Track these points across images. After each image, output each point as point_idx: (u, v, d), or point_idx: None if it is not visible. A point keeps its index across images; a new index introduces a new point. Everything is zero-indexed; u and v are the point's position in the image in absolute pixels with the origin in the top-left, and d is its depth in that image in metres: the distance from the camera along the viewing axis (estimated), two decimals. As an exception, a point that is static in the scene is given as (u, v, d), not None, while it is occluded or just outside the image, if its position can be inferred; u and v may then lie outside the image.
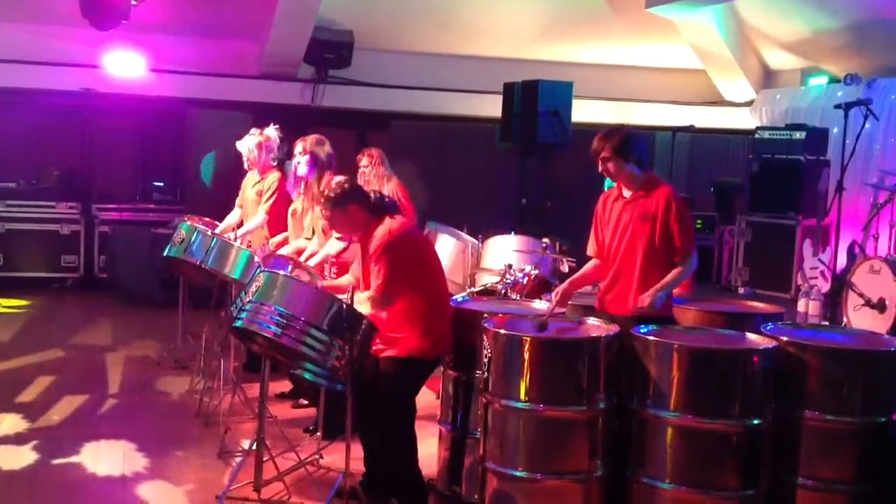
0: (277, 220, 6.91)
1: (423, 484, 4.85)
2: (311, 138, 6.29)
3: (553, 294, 4.87)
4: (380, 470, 4.83)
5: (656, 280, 4.58)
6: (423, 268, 4.73)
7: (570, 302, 5.27)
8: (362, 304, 4.61)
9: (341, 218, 4.75)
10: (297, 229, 6.56)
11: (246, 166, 7.20)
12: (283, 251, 6.37)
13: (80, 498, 4.99)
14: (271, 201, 6.98)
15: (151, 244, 9.58)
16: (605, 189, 5.09)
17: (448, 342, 4.79)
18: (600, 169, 4.73)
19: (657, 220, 4.59)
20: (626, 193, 4.72)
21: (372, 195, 4.86)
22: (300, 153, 6.23)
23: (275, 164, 7.18)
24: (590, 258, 4.98)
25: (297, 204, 6.56)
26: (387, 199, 4.91)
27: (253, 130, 7.20)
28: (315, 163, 6.20)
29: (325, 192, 4.78)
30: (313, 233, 6.28)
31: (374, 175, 7.15)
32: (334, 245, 5.83)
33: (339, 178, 4.99)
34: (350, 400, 4.63)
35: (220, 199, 8.84)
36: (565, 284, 4.88)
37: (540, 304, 5.22)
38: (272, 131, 7.18)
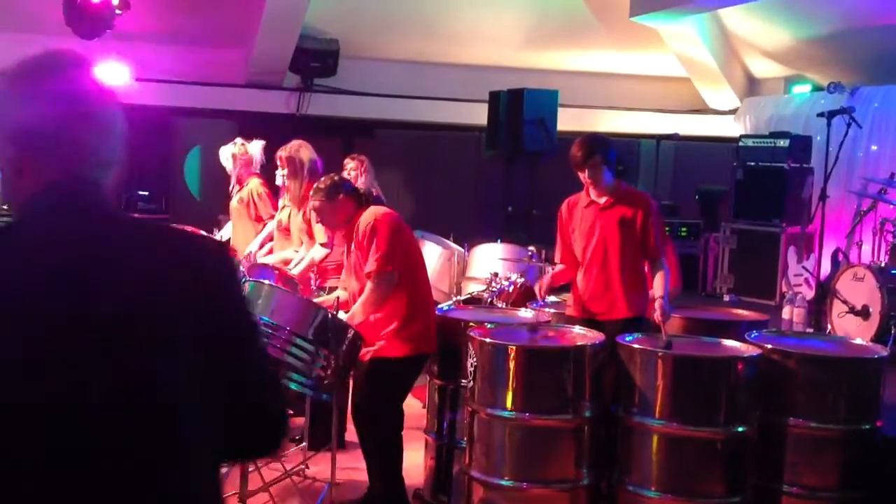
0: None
1: (403, 493, 4.85)
2: (291, 146, 6.25)
3: (537, 289, 4.99)
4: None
5: (636, 282, 4.70)
6: (408, 260, 4.75)
7: (554, 311, 5.32)
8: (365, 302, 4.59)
9: (331, 210, 4.77)
10: (282, 241, 6.54)
11: (228, 171, 7.18)
12: (269, 260, 6.37)
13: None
14: (270, 209, 6.98)
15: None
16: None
17: (432, 340, 4.79)
18: (587, 174, 4.80)
19: (636, 225, 4.72)
20: (600, 200, 4.82)
21: (361, 188, 4.92)
22: (280, 165, 6.22)
23: (257, 171, 7.16)
24: (548, 262, 5.20)
25: (281, 215, 6.53)
26: (374, 194, 4.97)
27: (237, 140, 7.17)
28: (295, 172, 6.15)
29: (317, 186, 4.83)
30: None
31: (361, 184, 7.14)
32: (318, 251, 5.83)
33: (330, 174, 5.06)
34: (335, 410, 4.62)
35: (206, 209, 8.84)
36: (548, 278, 5.00)
37: (526, 313, 5.23)
38: (255, 148, 7.11)
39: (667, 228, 9.83)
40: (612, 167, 4.82)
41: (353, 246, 4.76)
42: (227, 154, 7.08)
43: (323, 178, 4.90)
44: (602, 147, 4.84)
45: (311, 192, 4.91)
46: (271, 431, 1.71)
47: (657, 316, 4.57)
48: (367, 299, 4.60)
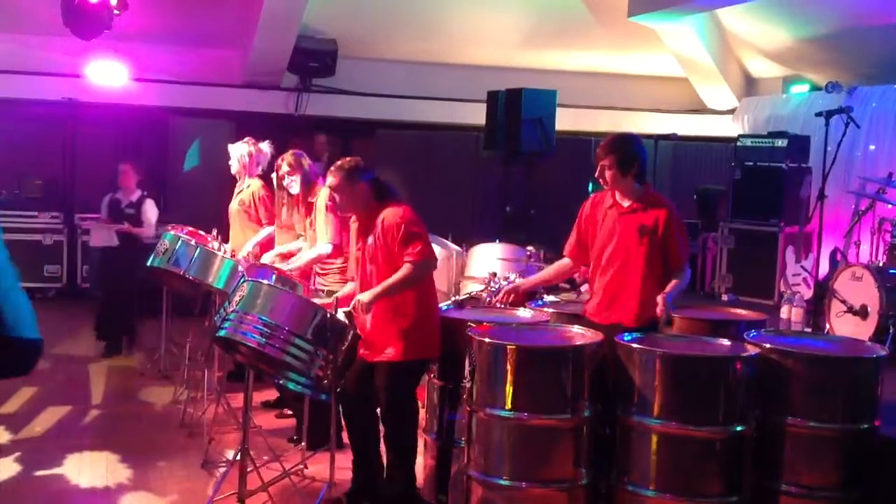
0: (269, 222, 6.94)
1: (415, 492, 4.86)
2: (291, 155, 6.24)
3: (508, 283, 4.96)
4: (371, 479, 4.82)
5: (648, 292, 4.59)
6: None
7: (553, 310, 5.30)
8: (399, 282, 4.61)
9: (348, 192, 4.78)
10: (283, 235, 6.55)
11: (233, 171, 7.18)
12: (269, 256, 6.39)
13: (62, 510, 4.97)
14: (263, 210, 6.98)
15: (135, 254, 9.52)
16: (591, 192, 5.10)
17: (437, 341, 4.80)
18: (597, 174, 4.73)
19: (656, 234, 4.61)
20: (624, 203, 4.72)
21: (383, 180, 4.91)
22: (288, 173, 6.21)
23: (259, 174, 7.15)
24: (562, 257, 5.03)
25: (282, 213, 6.54)
26: (392, 186, 4.95)
27: (246, 139, 7.18)
28: (305, 179, 6.17)
29: (339, 164, 4.84)
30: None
31: None
32: (325, 248, 5.83)
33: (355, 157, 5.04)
34: (334, 409, 4.62)
35: (203, 209, 8.83)
36: (530, 280, 4.98)
37: (524, 312, 5.23)
38: (266, 146, 7.16)
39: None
40: (631, 171, 4.66)
41: (370, 240, 4.75)
42: (240, 152, 7.07)
43: (347, 159, 4.91)
44: (620, 149, 4.68)
45: (331, 168, 4.91)
46: (21, 358, 2.27)
47: (658, 310, 4.48)
48: (401, 280, 4.60)
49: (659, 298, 4.48)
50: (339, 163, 4.88)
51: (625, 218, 4.68)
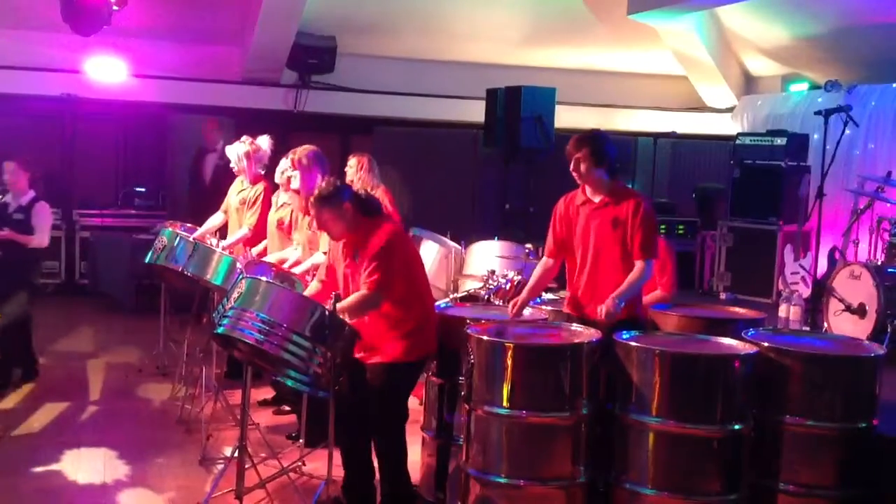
0: (259, 232, 6.88)
1: (412, 490, 4.85)
2: (302, 150, 6.22)
3: (510, 305, 4.89)
4: (363, 477, 4.83)
5: None
6: (409, 270, 4.74)
7: (551, 308, 5.30)
8: (349, 307, 4.57)
9: (334, 217, 4.67)
10: (282, 240, 6.51)
11: (235, 171, 7.18)
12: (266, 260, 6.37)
13: (60, 506, 4.96)
14: (256, 215, 6.94)
15: (133, 250, 9.53)
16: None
17: (434, 342, 4.79)
18: (572, 168, 4.76)
19: (627, 225, 4.64)
20: (595, 199, 4.76)
21: (362, 194, 4.86)
22: (290, 167, 6.18)
23: (262, 173, 7.13)
24: (542, 258, 5.05)
25: (282, 214, 6.51)
26: (371, 197, 4.90)
27: (244, 138, 7.15)
28: (308, 176, 6.12)
29: (318, 192, 4.71)
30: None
31: (359, 180, 7.12)
32: (321, 257, 5.81)
33: (329, 178, 4.93)
34: (332, 407, 4.61)
35: (202, 205, 8.83)
36: (523, 295, 4.91)
37: (524, 311, 5.22)
38: (264, 141, 7.12)
39: (662, 227, 10.00)
40: (604, 165, 4.71)
41: (355, 257, 4.69)
42: (239, 152, 7.05)
43: (325, 185, 4.76)
44: (594, 143, 4.73)
45: (311, 199, 4.77)
46: None
47: (600, 313, 4.49)
48: (356, 304, 4.58)
49: (603, 304, 4.48)
50: (316, 194, 4.70)
51: (598, 213, 4.73)
